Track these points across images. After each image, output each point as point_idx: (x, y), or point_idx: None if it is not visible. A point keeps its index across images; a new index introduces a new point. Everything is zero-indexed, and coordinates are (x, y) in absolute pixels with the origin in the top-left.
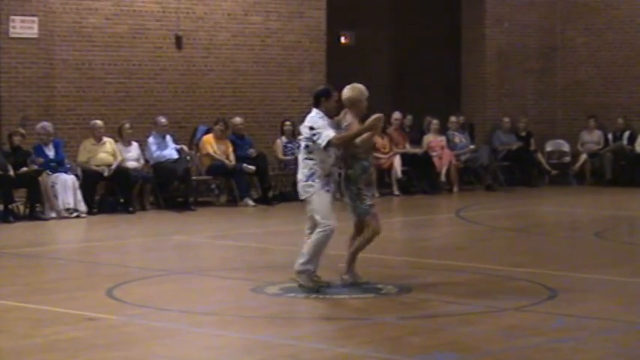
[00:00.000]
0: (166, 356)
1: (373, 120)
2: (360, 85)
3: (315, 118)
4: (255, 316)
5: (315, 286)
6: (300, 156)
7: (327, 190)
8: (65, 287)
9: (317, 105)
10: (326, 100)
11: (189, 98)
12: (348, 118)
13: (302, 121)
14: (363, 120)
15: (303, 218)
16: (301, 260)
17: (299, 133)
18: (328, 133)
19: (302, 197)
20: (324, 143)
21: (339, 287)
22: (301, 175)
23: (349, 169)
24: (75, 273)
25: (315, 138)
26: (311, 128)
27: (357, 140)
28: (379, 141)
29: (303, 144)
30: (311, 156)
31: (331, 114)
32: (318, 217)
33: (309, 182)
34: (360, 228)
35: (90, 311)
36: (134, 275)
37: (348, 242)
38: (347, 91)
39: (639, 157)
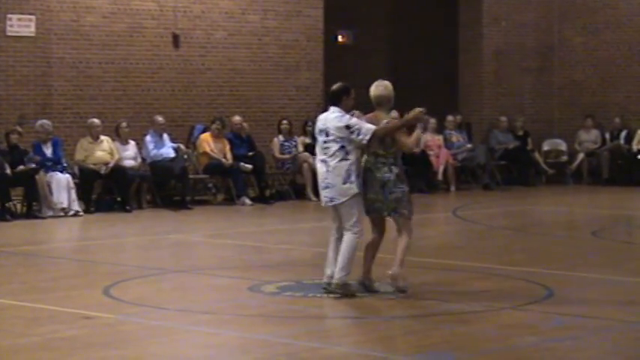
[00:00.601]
0: (163, 355)
1: (417, 112)
2: (387, 82)
3: (345, 117)
4: (252, 315)
5: (356, 290)
6: (332, 160)
7: (361, 194)
8: (62, 286)
9: (337, 103)
10: (346, 97)
11: (186, 97)
12: (383, 115)
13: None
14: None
15: (300, 217)
16: (342, 274)
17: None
18: (369, 127)
19: (340, 201)
20: (368, 136)
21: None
22: (337, 178)
23: (397, 168)
24: (72, 271)
25: (353, 136)
26: (347, 127)
27: (411, 139)
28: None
29: (336, 146)
30: (348, 157)
31: (348, 112)
32: (353, 220)
33: (348, 184)
34: (382, 229)
35: (87, 310)
36: (131, 274)
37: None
38: (377, 89)
39: (636, 156)
